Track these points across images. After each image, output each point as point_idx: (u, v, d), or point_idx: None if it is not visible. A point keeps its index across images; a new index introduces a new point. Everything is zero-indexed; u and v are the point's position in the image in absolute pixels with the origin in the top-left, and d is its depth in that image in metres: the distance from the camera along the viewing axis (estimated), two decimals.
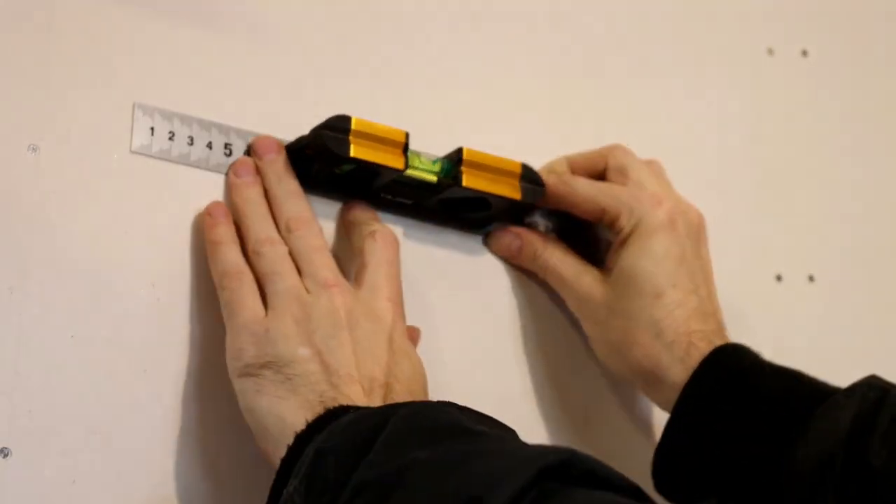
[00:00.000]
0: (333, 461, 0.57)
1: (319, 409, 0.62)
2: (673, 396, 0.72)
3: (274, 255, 0.67)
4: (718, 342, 0.72)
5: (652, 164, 0.79)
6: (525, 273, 0.79)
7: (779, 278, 0.91)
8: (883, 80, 1.01)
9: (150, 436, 0.66)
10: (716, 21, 0.94)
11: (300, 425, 0.61)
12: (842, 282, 0.93)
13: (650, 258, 0.74)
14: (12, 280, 0.64)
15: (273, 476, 0.60)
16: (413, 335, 0.71)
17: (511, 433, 0.61)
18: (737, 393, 0.71)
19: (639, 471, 0.78)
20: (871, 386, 0.69)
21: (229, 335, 0.66)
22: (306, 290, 0.66)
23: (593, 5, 0.89)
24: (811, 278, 0.92)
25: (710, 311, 0.74)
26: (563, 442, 0.78)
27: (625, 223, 0.75)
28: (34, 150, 0.66)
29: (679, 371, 0.72)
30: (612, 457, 0.77)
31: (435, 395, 0.68)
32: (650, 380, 0.74)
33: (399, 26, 0.80)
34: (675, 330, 0.73)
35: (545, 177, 0.76)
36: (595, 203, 0.76)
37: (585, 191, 0.76)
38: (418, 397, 0.66)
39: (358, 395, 0.63)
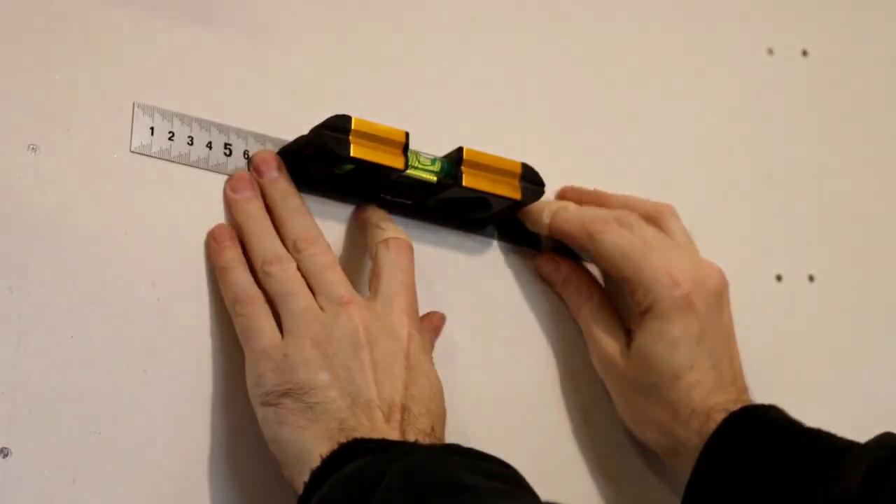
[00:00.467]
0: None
1: (341, 438, 0.62)
2: (690, 465, 0.72)
3: (285, 276, 0.67)
4: (735, 408, 0.72)
5: (663, 229, 0.78)
6: (525, 274, 0.79)
7: (779, 278, 0.90)
8: (883, 80, 1.01)
9: (150, 436, 0.66)
10: (716, 21, 0.94)
11: (317, 461, 0.62)
12: (842, 282, 0.93)
13: (667, 343, 0.73)
14: (12, 280, 0.64)
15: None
16: (436, 323, 0.72)
17: (511, 477, 0.61)
18: (748, 456, 0.71)
19: (636, 473, 0.79)
20: (882, 445, 0.69)
21: (249, 362, 0.66)
22: (321, 308, 0.66)
23: (593, 5, 0.89)
24: (811, 278, 0.92)
25: (729, 379, 0.74)
26: (562, 442, 0.77)
27: (641, 298, 0.74)
28: (34, 150, 0.66)
29: (696, 442, 0.72)
30: (609, 458, 0.78)
31: None
32: (668, 452, 0.75)
33: (399, 26, 0.80)
34: (692, 409, 0.73)
35: (576, 214, 0.76)
36: (618, 270, 0.75)
37: (609, 251, 0.75)
38: (435, 418, 0.66)
39: (378, 421, 0.64)
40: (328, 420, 0.63)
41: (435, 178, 0.72)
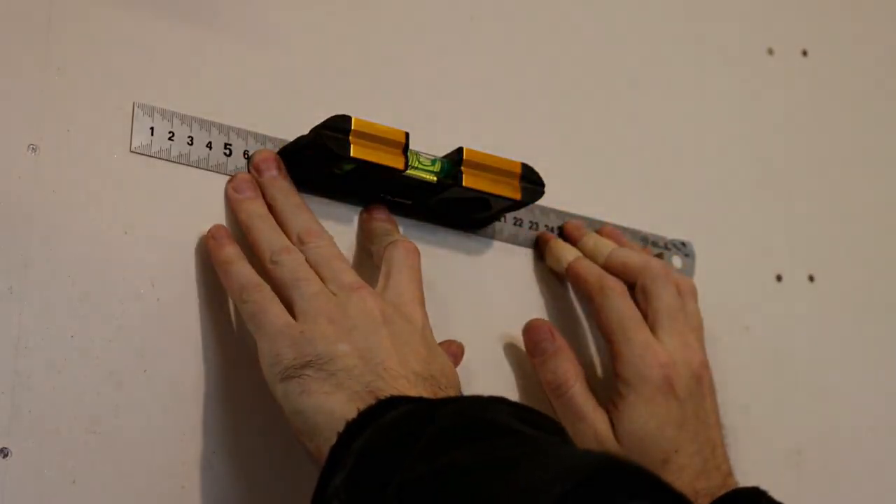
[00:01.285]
0: (377, 462, 0.57)
1: (370, 399, 0.61)
2: None
3: (293, 263, 0.67)
4: (720, 493, 0.73)
5: (681, 293, 0.78)
6: (525, 274, 0.79)
7: (779, 278, 0.91)
8: (883, 80, 1.01)
9: (150, 436, 0.66)
10: (716, 21, 0.94)
11: (352, 414, 0.60)
12: (842, 282, 0.93)
13: (651, 425, 0.74)
14: (12, 280, 0.64)
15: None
16: (455, 350, 0.72)
17: (558, 432, 0.60)
18: None
19: None
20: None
21: (263, 344, 0.65)
22: (332, 294, 0.66)
23: (593, 5, 0.89)
24: (811, 278, 0.92)
25: (713, 465, 0.75)
26: None
27: (621, 370, 0.75)
28: (34, 150, 0.66)
29: None
30: None
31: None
32: None
33: (399, 26, 0.80)
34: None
35: (596, 268, 0.77)
36: (609, 333, 0.76)
37: (609, 314, 0.76)
38: (447, 389, 0.65)
39: (405, 388, 0.63)
40: (354, 384, 0.62)
41: (435, 179, 0.72)
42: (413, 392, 0.63)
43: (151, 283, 0.68)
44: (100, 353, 0.66)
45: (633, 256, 0.78)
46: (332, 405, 0.62)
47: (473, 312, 0.77)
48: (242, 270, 0.67)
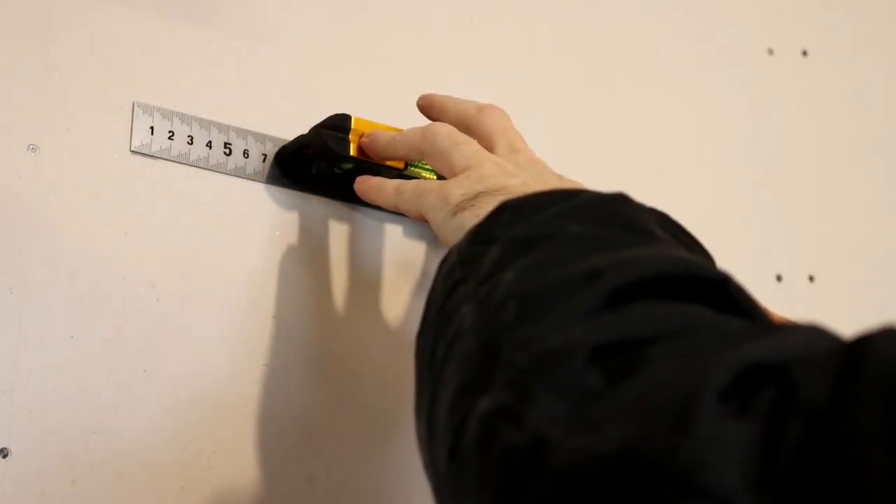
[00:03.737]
0: (508, 216, 0.56)
1: None
2: None
3: (446, 128, 0.66)
4: None
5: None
6: None
7: (779, 278, 0.91)
8: (883, 80, 1.01)
9: (150, 436, 0.66)
10: (716, 21, 0.94)
11: None
12: (842, 282, 0.93)
13: None
14: (12, 280, 0.64)
15: None
16: None
17: (694, 246, 0.58)
18: None
19: None
20: None
21: (429, 198, 0.64)
22: None
23: (593, 5, 0.89)
24: (811, 278, 0.92)
25: None
26: None
27: None
28: (34, 150, 0.66)
29: None
30: None
31: None
32: None
33: (399, 26, 0.80)
34: None
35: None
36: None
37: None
38: None
39: None
40: None
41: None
42: None
43: (151, 283, 0.68)
44: (100, 353, 0.66)
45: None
46: None
47: None
48: (403, 142, 0.68)
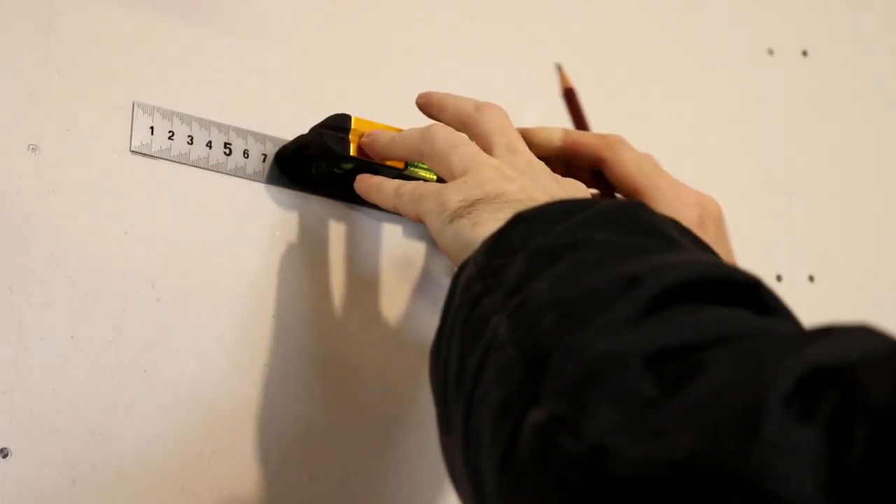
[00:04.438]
0: (524, 227, 0.56)
1: None
2: None
3: (445, 130, 0.66)
4: None
5: (650, 158, 0.77)
6: None
7: (779, 278, 0.91)
8: (883, 80, 1.01)
9: (150, 436, 0.66)
10: (716, 21, 0.94)
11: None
12: (842, 282, 0.93)
13: None
14: (12, 280, 0.64)
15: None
16: None
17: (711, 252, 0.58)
18: None
19: None
20: None
21: (427, 203, 0.64)
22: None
23: (593, 5, 0.89)
24: (811, 278, 0.92)
25: None
26: None
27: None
28: (34, 150, 0.66)
29: None
30: None
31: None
32: None
33: (399, 25, 0.80)
34: None
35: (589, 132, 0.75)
36: (634, 182, 0.74)
37: (628, 163, 0.74)
38: None
39: None
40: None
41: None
42: None
43: (151, 283, 0.68)
44: (100, 353, 0.66)
45: (585, 134, 0.76)
46: None
47: None
48: (383, 180, 0.68)
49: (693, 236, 0.57)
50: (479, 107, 0.68)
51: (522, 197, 0.61)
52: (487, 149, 0.66)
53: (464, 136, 0.66)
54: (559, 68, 0.78)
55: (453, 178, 0.64)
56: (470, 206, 0.61)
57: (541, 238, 0.54)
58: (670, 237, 0.54)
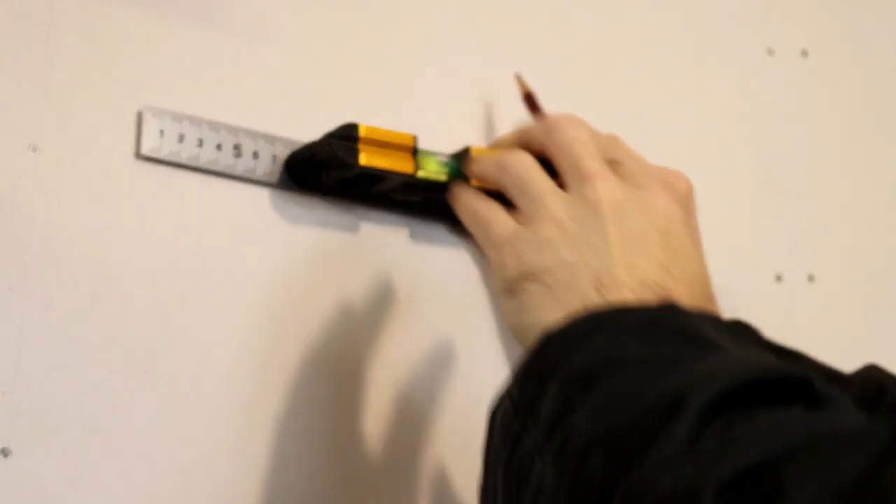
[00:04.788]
0: (555, 349, 0.54)
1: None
2: None
3: (517, 163, 0.64)
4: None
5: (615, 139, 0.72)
6: None
7: (779, 278, 0.91)
8: (883, 80, 1.01)
9: (150, 436, 0.66)
10: (716, 21, 0.94)
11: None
12: (842, 282, 0.93)
13: None
14: (12, 280, 0.64)
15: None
16: None
17: (756, 344, 0.56)
18: None
19: None
20: (870, 379, 0.65)
21: (491, 254, 0.63)
22: (566, 186, 0.63)
23: (594, 5, 0.89)
24: (811, 278, 0.92)
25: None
26: None
27: None
28: (34, 150, 0.66)
29: None
30: None
31: (438, 390, 0.68)
32: None
33: (403, 26, 0.80)
34: None
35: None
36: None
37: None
38: (697, 302, 0.59)
39: (629, 299, 0.58)
40: (572, 300, 0.58)
41: (445, 178, 0.72)
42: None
43: (152, 283, 0.68)
44: (100, 353, 0.66)
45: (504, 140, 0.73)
46: (548, 322, 0.57)
47: (480, 311, 0.77)
48: (471, 198, 0.67)
49: (729, 326, 0.55)
50: (548, 130, 0.66)
51: (568, 275, 0.59)
52: (562, 173, 0.64)
53: (535, 167, 0.64)
54: (517, 78, 0.78)
55: (522, 216, 0.63)
56: (520, 282, 0.61)
57: (572, 361, 0.52)
58: (707, 339, 0.52)
